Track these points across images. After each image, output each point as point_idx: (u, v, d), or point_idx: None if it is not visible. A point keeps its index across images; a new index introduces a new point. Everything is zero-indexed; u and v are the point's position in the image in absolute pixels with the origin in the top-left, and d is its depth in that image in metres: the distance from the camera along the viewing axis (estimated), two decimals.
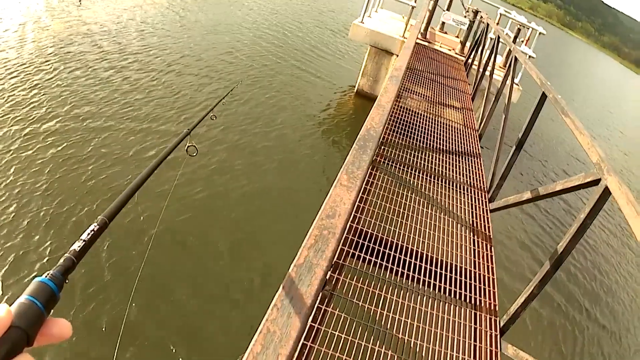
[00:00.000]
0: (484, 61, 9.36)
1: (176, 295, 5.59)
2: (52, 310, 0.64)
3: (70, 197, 6.62)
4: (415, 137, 6.03)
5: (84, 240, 0.83)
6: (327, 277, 3.12)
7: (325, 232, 2.06)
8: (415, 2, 11.46)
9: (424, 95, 7.70)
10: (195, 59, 13.01)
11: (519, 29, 12.93)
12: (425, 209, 4.59)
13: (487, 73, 8.65)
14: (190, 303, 5.56)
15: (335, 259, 3.32)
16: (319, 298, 2.90)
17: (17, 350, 0.56)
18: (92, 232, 0.87)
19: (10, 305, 0.59)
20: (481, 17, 11.84)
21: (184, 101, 10.24)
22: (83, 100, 9.16)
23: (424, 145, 5.92)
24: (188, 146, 2.18)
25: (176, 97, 10.36)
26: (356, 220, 3.89)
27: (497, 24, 12.16)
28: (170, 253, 6.12)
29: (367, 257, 3.68)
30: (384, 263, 3.71)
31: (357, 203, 4.04)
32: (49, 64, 10.37)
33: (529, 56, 12.00)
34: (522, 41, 13.32)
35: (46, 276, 0.68)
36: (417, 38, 10.40)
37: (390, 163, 5.15)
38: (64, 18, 13.83)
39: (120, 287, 5.45)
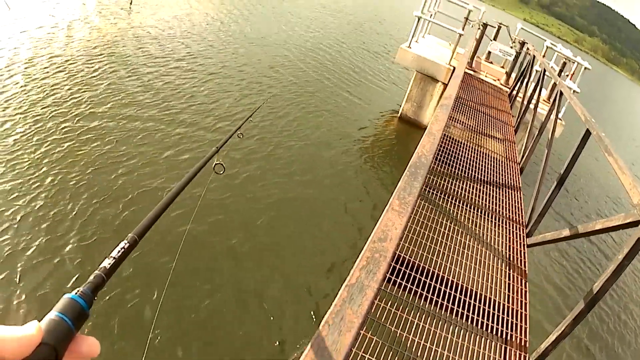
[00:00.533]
0: (528, 93, 9.33)
1: (199, 313, 5.59)
2: (80, 328, 0.64)
3: (98, 197, 6.75)
4: (457, 166, 6.05)
5: (114, 258, 0.83)
6: None
7: (377, 254, 2.12)
8: (463, 30, 11.48)
9: (467, 124, 7.72)
10: (237, 70, 13.26)
11: (565, 63, 12.78)
12: (462, 239, 4.60)
13: (531, 106, 8.60)
14: (212, 322, 5.55)
15: None
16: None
17: None
18: (123, 250, 0.87)
19: (39, 321, 0.60)
20: (527, 48, 11.80)
21: (221, 110, 10.42)
22: (123, 101, 9.46)
23: (465, 175, 5.93)
24: (215, 164, 2.20)
25: (214, 105, 10.55)
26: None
27: (543, 56, 12.09)
28: (194, 269, 6.15)
29: (403, 282, 3.72)
30: (419, 290, 3.74)
31: None
32: (93, 63, 10.76)
33: (574, 91, 11.91)
34: (567, 75, 13.20)
35: (76, 293, 0.68)
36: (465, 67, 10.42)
37: (431, 191, 5.18)
38: (112, 20, 14.40)
39: (144, 302, 5.45)
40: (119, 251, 0.85)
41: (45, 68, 9.86)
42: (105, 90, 9.65)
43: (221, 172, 2.23)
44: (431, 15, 12.96)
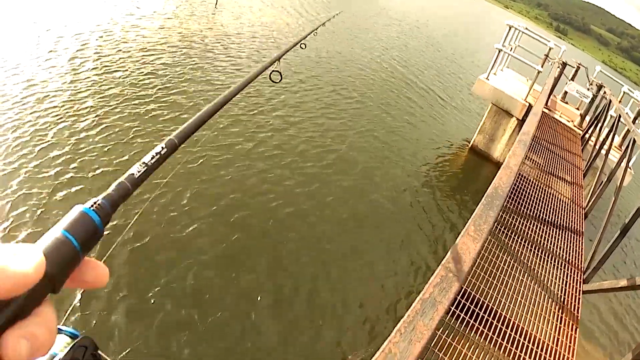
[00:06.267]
0: (601, 138, 9.22)
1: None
2: (91, 250, 0.51)
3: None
4: (523, 203, 6.11)
5: (145, 165, 0.69)
6: None
7: (450, 274, 2.31)
8: (542, 66, 11.43)
9: (537, 163, 7.74)
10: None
11: None
12: (520, 277, 4.68)
13: (603, 151, 8.51)
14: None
15: None
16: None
17: (38, 301, 0.44)
18: (158, 155, 0.73)
19: (41, 237, 0.47)
20: (604, 92, 11.59)
21: None
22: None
23: (530, 213, 5.98)
24: (272, 71, 2.05)
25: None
26: None
27: (620, 102, 11.84)
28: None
29: (462, 315, 3.86)
30: (471, 321, 3.86)
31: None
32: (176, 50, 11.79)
33: None
34: None
35: (91, 206, 0.54)
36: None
37: (496, 225, 5.29)
38: (198, 18, 15.77)
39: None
40: (153, 156, 0.72)
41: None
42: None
43: (278, 81, 2.13)
44: (511, 49, 12.92)
